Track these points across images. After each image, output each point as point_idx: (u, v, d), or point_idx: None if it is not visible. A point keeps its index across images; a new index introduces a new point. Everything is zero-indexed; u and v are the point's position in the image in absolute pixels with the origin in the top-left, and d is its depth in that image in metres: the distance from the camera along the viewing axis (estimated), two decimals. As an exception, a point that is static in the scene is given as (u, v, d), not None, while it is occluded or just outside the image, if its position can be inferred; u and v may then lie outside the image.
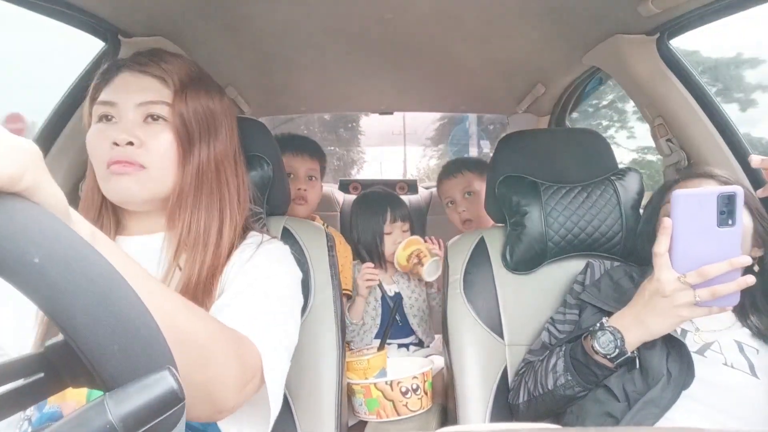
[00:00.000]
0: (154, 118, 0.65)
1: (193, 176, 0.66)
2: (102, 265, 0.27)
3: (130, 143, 0.63)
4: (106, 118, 0.66)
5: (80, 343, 0.25)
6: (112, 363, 0.26)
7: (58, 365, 0.31)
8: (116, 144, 0.62)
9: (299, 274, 0.73)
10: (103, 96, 0.66)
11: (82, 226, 0.36)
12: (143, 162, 0.63)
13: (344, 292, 1.29)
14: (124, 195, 0.64)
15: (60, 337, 0.31)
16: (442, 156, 8.82)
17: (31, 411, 0.58)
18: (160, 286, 0.44)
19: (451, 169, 1.57)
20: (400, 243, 1.36)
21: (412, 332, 1.42)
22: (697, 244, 0.65)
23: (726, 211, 0.64)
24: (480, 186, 1.50)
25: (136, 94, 0.65)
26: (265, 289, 0.63)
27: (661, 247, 0.67)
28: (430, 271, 1.31)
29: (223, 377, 0.47)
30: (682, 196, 0.66)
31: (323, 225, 1.43)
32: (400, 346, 1.41)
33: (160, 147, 0.64)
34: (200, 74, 0.71)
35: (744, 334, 0.75)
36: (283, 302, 0.63)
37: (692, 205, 0.65)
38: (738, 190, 0.64)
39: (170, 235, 0.67)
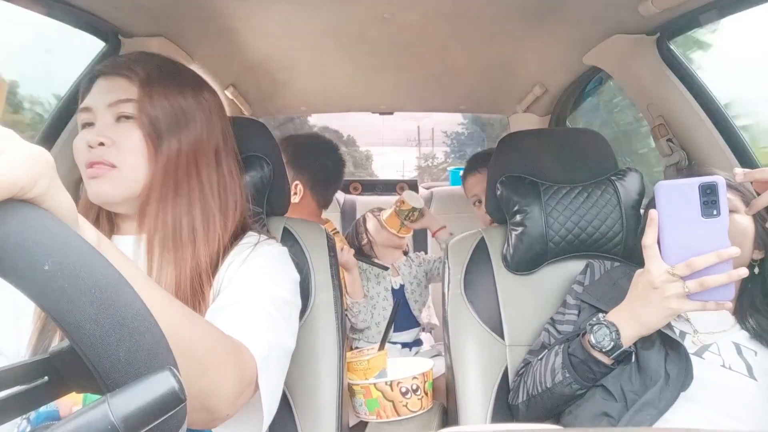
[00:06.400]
0: (126, 117, 0.65)
1: (161, 172, 0.65)
2: (110, 273, 0.28)
3: (101, 144, 0.63)
4: (87, 124, 0.66)
5: (87, 350, 0.25)
6: (117, 370, 0.26)
7: (63, 370, 0.32)
8: (90, 146, 0.63)
9: (297, 277, 0.72)
10: (82, 103, 0.67)
11: (89, 232, 0.36)
12: (114, 161, 0.63)
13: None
14: (102, 196, 0.65)
15: (65, 342, 0.31)
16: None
17: None
18: (163, 293, 0.44)
19: (475, 165, 1.46)
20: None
21: (416, 323, 1.46)
22: (684, 235, 0.65)
23: (709, 201, 0.63)
24: None
25: (106, 95, 0.65)
26: (262, 293, 0.62)
27: (648, 239, 0.67)
28: (411, 198, 1.41)
29: (220, 387, 0.47)
30: (664, 186, 0.66)
31: (333, 231, 1.44)
32: (403, 345, 1.41)
33: (129, 145, 0.64)
34: (172, 69, 0.70)
35: (742, 336, 0.75)
36: (280, 307, 0.63)
37: (675, 195, 0.65)
38: (719, 180, 0.63)
39: (142, 233, 0.66)
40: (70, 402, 0.57)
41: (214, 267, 0.66)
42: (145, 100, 0.65)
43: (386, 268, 1.45)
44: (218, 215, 0.69)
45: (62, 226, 0.28)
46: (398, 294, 1.46)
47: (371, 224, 1.50)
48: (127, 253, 0.67)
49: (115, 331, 0.26)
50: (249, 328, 0.56)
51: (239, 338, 0.53)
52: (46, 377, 0.31)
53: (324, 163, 1.40)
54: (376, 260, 1.48)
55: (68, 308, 0.25)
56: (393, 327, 1.24)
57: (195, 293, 0.62)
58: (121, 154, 0.64)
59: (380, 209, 1.53)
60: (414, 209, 1.42)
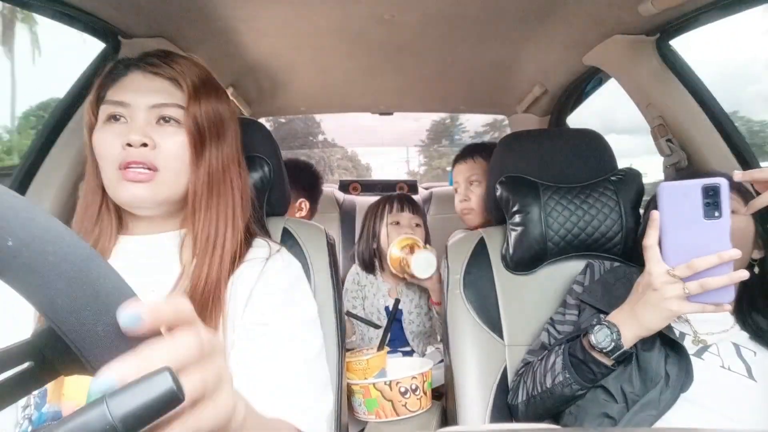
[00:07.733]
0: (166, 120, 0.65)
1: (205, 179, 0.66)
2: (79, 246, 0.27)
3: (144, 144, 0.62)
4: (114, 118, 0.65)
5: (63, 327, 0.25)
6: (98, 345, 0.25)
7: (47, 352, 0.31)
8: (129, 145, 0.62)
9: (313, 301, 0.72)
10: (113, 96, 0.66)
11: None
12: (157, 164, 0.63)
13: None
14: (139, 199, 0.64)
15: (47, 323, 0.31)
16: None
17: (31, 410, 0.59)
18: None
19: (463, 153, 1.44)
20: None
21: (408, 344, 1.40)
22: (685, 236, 0.64)
23: (712, 202, 0.63)
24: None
25: (150, 96, 0.65)
26: (301, 348, 0.63)
27: (649, 239, 0.67)
28: (418, 263, 1.20)
29: None
30: (666, 187, 0.66)
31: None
32: (404, 354, 1.38)
33: (174, 149, 0.64)
34: (209, 77, 0.71)
35: (742, 337, 0.75)
36: (318, 356, 0.65)
37: (677, 196, 0.65)
38: (722, 182, 0.63)
39: (188, 237, 0.67)
40: (73, 403, 0.57)
41: (227, 272, 0.65)
42: (195, 108, 0.65)
43: (378, 327, 1.34)
44: (240, 220, 0.70)
45: (26, 201, 0.27)
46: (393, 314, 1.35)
47: (383, 240, 1.39)
48: (138, 252, 0.68)
49: (90, 305, 0.25)
50: (303, 408, 0.58)
51: (298, 421, 0.55)
52: (32, 362, 0.30)
53: (316, 181, 1.69)
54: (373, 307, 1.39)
55: (36, 283, 0.24)
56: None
57: (214, 300, 0.62)
58: (164, 157, 0.63)
59: (398, 222, 1.39)
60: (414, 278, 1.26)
